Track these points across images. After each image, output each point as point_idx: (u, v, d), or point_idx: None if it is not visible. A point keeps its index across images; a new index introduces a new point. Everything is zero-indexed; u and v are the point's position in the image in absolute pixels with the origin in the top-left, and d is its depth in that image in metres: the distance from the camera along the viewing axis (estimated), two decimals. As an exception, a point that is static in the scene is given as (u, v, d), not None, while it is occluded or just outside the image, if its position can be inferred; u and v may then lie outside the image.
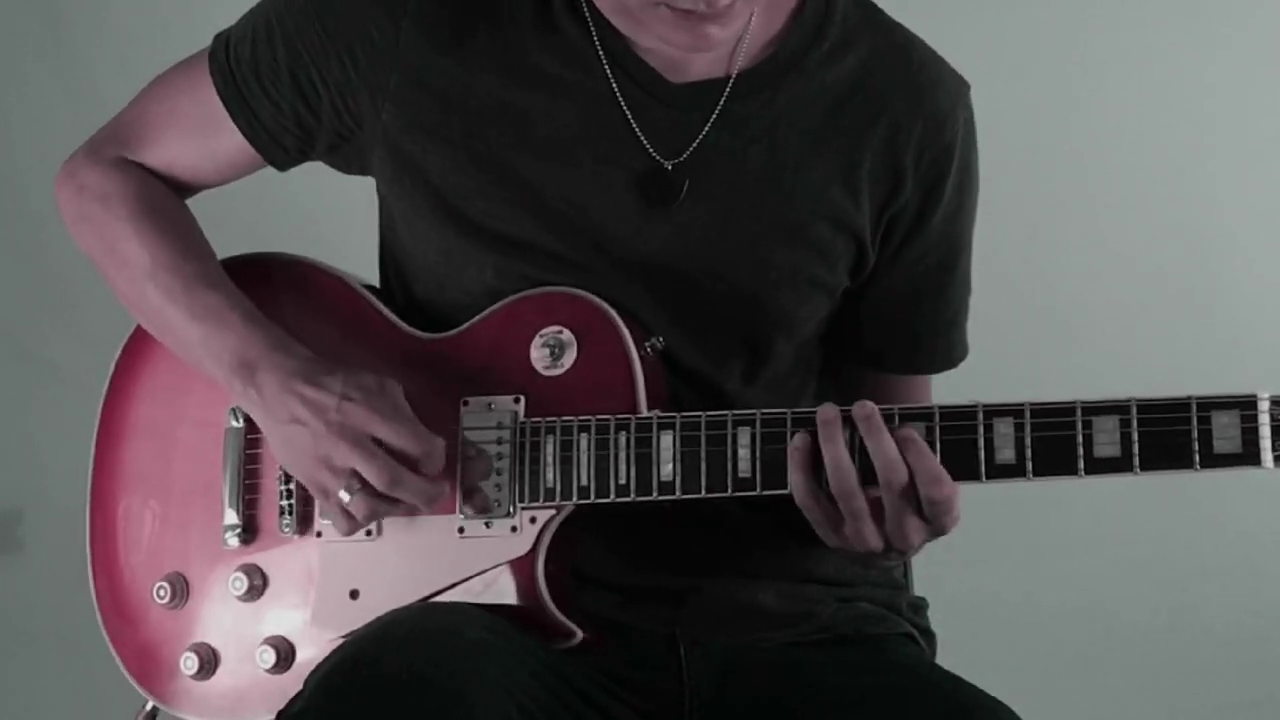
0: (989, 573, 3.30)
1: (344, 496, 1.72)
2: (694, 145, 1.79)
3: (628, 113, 1.79)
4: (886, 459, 1.64)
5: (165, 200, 1.90)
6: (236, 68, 1.86)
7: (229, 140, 1.88)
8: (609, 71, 1.79)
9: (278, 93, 1.85)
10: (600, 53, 1.79)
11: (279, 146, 1.88)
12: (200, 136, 1.89)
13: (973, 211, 1.89)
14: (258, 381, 1.76)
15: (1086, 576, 3.39)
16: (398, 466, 1.71)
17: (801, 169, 1.80)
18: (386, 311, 1.86)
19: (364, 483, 1.71)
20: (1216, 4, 3.39)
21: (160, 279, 1.83)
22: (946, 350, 1.94)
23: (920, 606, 1.97)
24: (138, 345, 1.92)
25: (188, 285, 1.82)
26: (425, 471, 1.72)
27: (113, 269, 1.88)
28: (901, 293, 1.88)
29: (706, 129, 1.80)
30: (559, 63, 1.80)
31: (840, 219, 1.82)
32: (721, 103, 1.80)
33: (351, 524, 1.74)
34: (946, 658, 1.93)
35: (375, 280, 1.94)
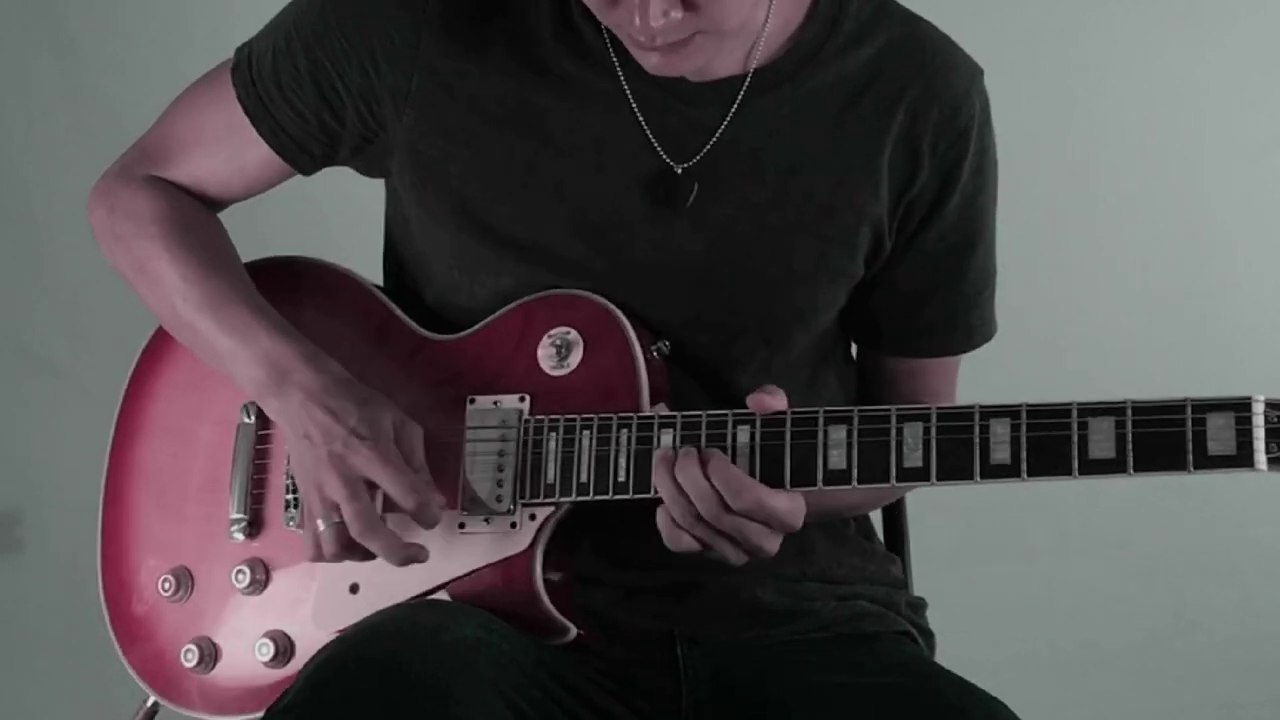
0: (988, 573, 3.31)
1: (320, 525, 1.74)
2: (709, 145, 1.80)
3: (640, 115, 1.80)
4: (697, 491, 1.66)
5: (195, 216, 1.91)
6: (258, 79, 1.87)
7: (255, 152, 1.89)
8: (623, 73, 1.80)
9: (301, 101, 1.85)
10: (614, 54, 1.80)
11: (305, 153, 1.89)
12: (227, 150, 1.90)
13: (992, 194, 1.89)
14: (285, 392, 1.77)
15: (1085, 577, 3.39)
16: (376, 518, 1.72)
17: (821, 161, 1.81)
18: (398, 311, 1.87)
19: (342, 520, 1.72)
20: (1215, 6, 3.38)
21: (189, 295, 1.85)
22: (967, 332, 1.93)
23: (919, 606, 1.98)
24: (158, 347, 1.94)
25: (215, 301, 1.83)
26: (421, 525, 1.73)
27: (144, 287, 1.89)
28: (918, 276, 1.89)
29: (724, 126, 1.80)
30: (576, 64, 1.81)
31: (860, 209, 1.82)
32: (739, 99, 1.80)
33: (318, 554, 1.75)
34: (946, 658, 1.93)
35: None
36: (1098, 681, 3.34)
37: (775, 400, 1.69)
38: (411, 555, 1.74)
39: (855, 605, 1.90)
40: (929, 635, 1.97)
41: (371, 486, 1.73)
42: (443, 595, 1.77)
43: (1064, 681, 3.30)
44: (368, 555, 1.74)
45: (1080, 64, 3.38)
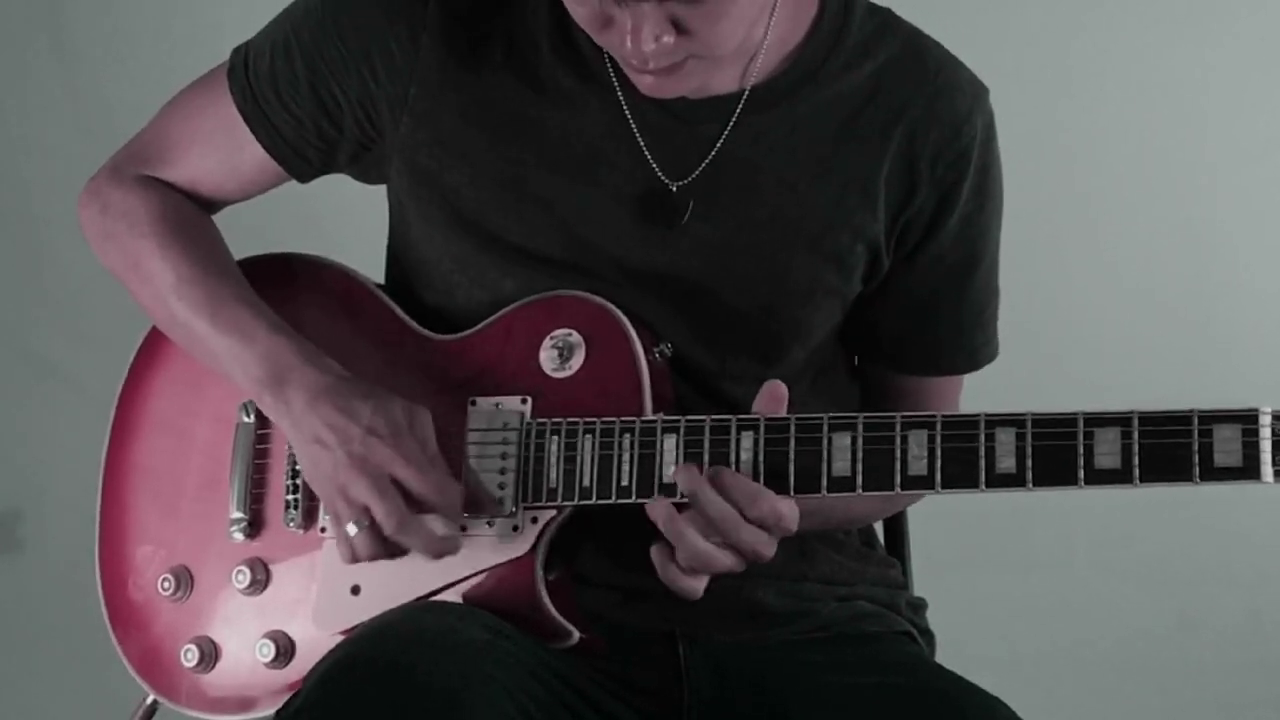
0: (989, 574, 3.31)
1: (351, 529, 1.73)
2: (706, 162, 1.80)
3: (636, 131, 1.80)
4: (715, 511, 1.65)
5: (188, 217, 1.91)
6: (255, 83, 1.87)
7: (251, 155, 1.89)
8: (620, 87, 1.79)
9: (298, 107, 1.85)
10: (611, 69, 1.79)
11: (302, 159, 1.89)
12: (222, 152, 1.90)
13: (995, 214, 1.89)
14: (286, 395, 1.76)
15: (1086, 577, 3.39)
16: (408, 512, 1.71)
17: (818, 178, 1.81)
18: (399, 310, 1.86)
19: (374, 521, 1.72)
20: (1215, 6, 3.38)
21: (184, 294, 1.84)
22: (969, 351, 1.93)
23: (919, 606, 1.98)
24: (154, 344, 1.93)
25: (211, 300, 1.83)
26: (444, 517, 1.72)
27: (137, 286, 1.89)
28: (918, 295, 1.88)
29: (721, 143, 1.80)
30: (574, 78, 1.80)
31: (858, 227, 1.82)
32: (736, 116, 1.80)
33: (353, 556, 1.74)
34: (946, 659, 1.93)
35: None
36: (1098, 681, 3.34)
37: (780, 395, 1.69)
38: (447, 548, 1.73)
39: (855, 605, 1.90)
40: (929, 635, 1.98)
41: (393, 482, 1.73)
42: (444, 596, 1.77)
43: (1064, 682, 3.30)
44: (402, 552, 1.74)
45: (1080, 64, 3.38)
